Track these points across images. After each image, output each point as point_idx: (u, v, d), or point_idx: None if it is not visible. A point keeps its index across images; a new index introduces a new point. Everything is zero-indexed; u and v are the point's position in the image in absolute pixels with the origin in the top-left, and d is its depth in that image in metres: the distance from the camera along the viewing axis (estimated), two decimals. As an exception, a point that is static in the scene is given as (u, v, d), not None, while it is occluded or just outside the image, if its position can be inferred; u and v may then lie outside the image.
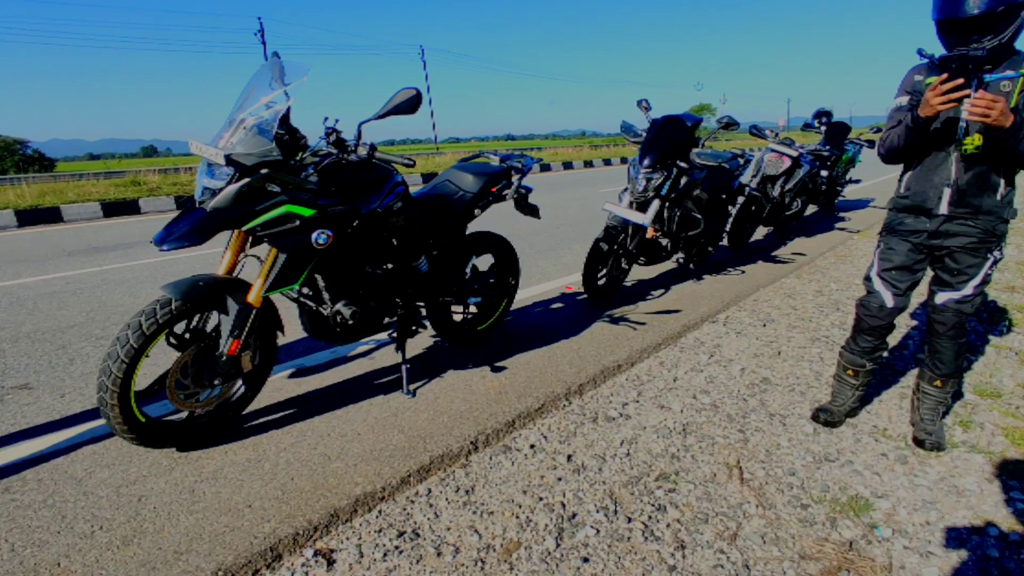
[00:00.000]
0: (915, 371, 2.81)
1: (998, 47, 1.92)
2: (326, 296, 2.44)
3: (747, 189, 5.32)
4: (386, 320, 2.76)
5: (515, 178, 3.07)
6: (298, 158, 2.24)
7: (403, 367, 2.80)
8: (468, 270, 3.00)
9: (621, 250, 3.99)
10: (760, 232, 6.89)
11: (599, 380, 2.93)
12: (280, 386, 2.90)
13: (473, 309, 3.31)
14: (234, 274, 2.35)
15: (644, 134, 4.14)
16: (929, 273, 2.29)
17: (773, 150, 5.79)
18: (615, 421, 2.53)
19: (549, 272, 5.08)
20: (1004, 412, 2.55)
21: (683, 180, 4.05)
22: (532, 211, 3.39)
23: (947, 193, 2.07)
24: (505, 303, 3.46)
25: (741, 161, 5.06)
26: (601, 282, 4.05)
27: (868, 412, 2.58)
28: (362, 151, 2.26)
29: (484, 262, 3.43)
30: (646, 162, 3.92)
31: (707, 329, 3.64)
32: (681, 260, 4.68)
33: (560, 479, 2.12)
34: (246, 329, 2.23)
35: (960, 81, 1.78)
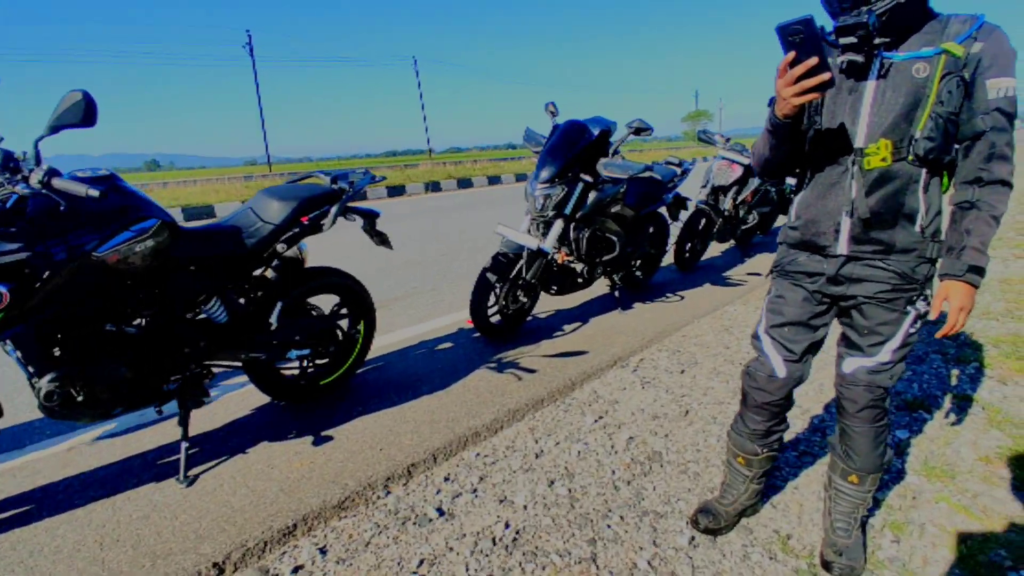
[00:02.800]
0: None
1: (900, 10, 1.30)
2: (31, 369, 1.82)
3: (690, 202, 4.69)
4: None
5: (338, 203, 2.44)
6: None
7: (182, 445, 2.17)
8: (274, 318, 2.37)
9: (521, 280, 3.36)
10: (719, 248, 6.24)
11: (441, 456, 2.30)
12: (39, 468, 2.28)
13: (313, 362, 2.69)
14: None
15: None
16: (837, 329, 1.65)
17: (723, 157, 5.16)
18: (429, 525, 1.89)
19: (460, 301, 4.45)
20: (955, 505, 1.90)
21: (591, 195, 3.42)
22: (383, 240, 2.79)
23: (846, 224, 1.45)
24: (357, 351, 2.84)
25: (678, 171, 4.43)
26: (495, 319, 3.43)
27: (773, 507, 1.94)
28: (36, 179, 1.64)
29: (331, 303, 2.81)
30: (543, 175, 3.30)
31: (612, 377, 3.00)
32: (609, 287, 4.05)
33: (300, 636, 1.49)
34: None
35: (814, 61, 1.17)
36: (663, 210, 4.55)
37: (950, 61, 1.30)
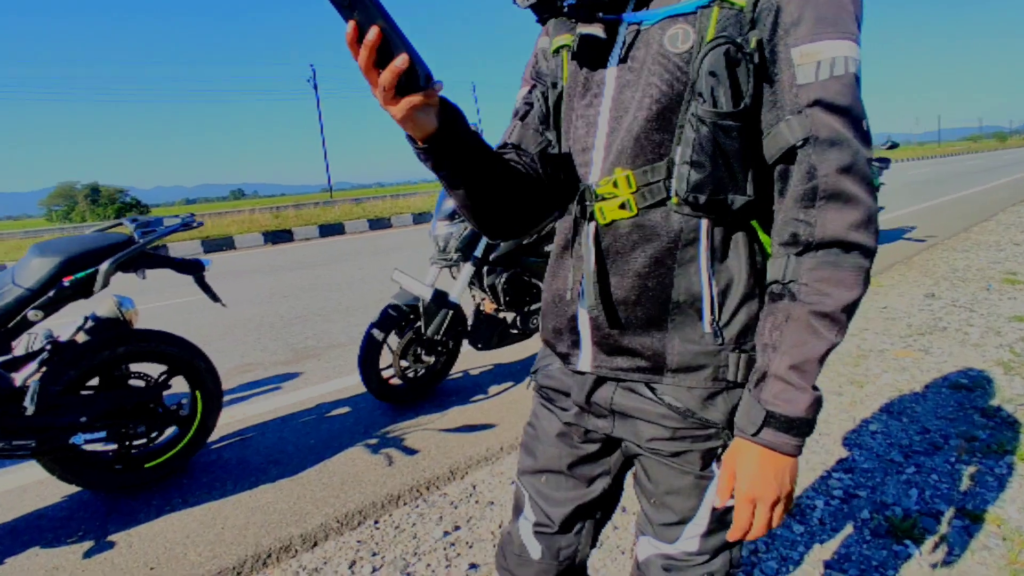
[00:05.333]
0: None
1: None
2: None
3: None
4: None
5: (109, 260, 1.99)
6: None
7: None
8: (29, 400, 1.93)
9: (423, 337, 2.81)
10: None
11: (221, 585, 1.77)
12: None
13: (125, 442, 2.24)
14: None
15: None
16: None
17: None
18: None
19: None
20: None
21: (508, 233, 2.84)
22: (212, 295, 2.34)
23: (584, 320, 0.83)
24: (195, 428, 2.37)
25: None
26: (394, 380, 2.88)
27: None
28: None
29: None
30: (444, 209, 2.76)
31: (507, 464, 2.37)
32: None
33: None
34: None
35: (373, 37, 0.60)
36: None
37: (727, 18, 0.68)
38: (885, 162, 6.49)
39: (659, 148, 0.73)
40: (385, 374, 2.84)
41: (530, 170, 0.87)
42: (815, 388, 0.69)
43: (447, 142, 0.72)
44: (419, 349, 2.84)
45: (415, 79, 0.62)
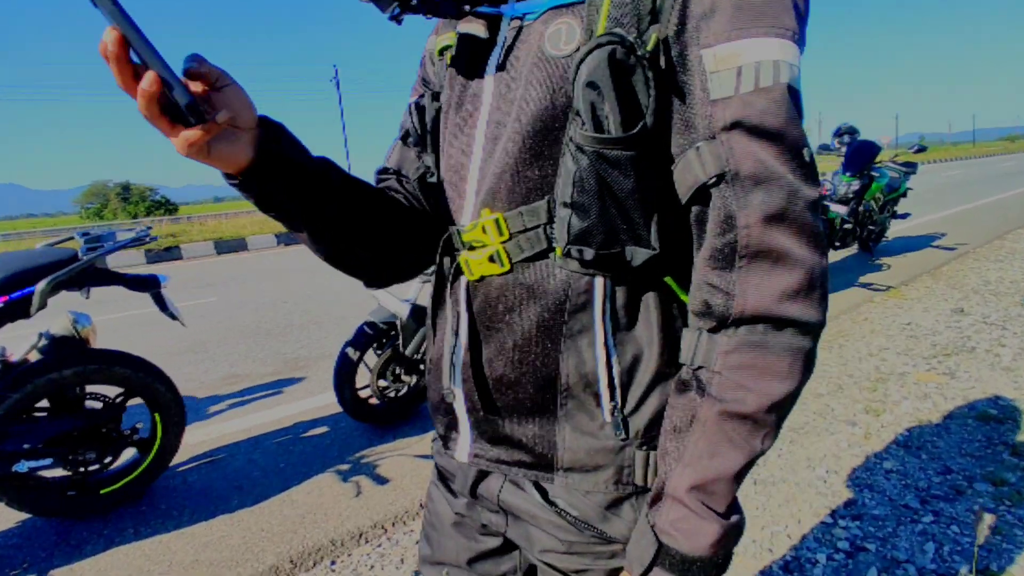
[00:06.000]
0: None
1: None
2: None
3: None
4: None
5: (47, 279, 1.86)
6: None
7: None
8: None
9: (403, 356, 2.66)
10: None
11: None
12: None
13: (78, 468, 2.12)
14: None
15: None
16: None
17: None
18: None
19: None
20: None
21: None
22: (170, 313, 2.21)
23: (459, 399, 0.65)
24: (154, 454, 2.25)
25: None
26: (373, 400, 2.73)
27: None
28: None
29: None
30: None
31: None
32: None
33: None
34: None
35: (115, 41, 0.43)
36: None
37: (622, 9, 0.50)
38: (912, 167, 6.16)
39: (539, 184, 0.56)
40: (364, 393, 2.69)
41: (413, 200, 0.71)
42: (729, 514, 0.51)
43: (268, 175, 0.55)
44: (398, 368, 2.68)
45: (174, 111, 0.45)
